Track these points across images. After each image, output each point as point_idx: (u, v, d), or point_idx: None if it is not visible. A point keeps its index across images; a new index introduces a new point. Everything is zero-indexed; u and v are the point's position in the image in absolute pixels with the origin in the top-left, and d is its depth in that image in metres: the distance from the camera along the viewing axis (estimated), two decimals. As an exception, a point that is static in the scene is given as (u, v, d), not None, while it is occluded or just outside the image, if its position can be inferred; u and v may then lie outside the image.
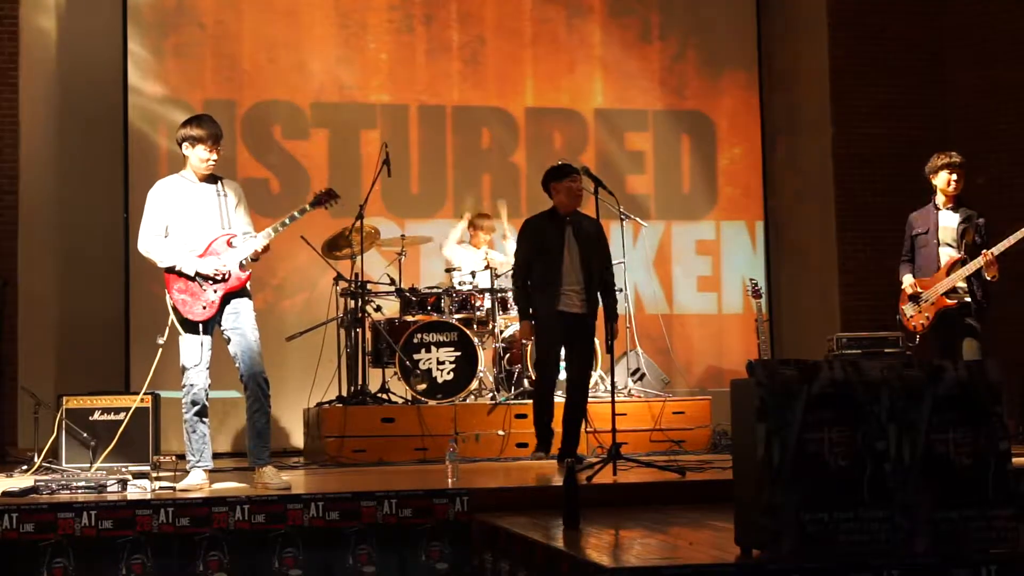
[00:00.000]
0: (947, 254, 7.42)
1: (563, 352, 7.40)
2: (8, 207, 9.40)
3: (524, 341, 8.07)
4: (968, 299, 7.35)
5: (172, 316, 6.18)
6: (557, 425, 7.41)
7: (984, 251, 7.22)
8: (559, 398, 7.48)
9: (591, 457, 7.31)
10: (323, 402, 8.41)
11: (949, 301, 7.36)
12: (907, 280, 7.56)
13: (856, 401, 4.02)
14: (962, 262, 7.32)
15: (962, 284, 7.34)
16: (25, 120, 9.56)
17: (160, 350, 6.22)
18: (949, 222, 7.46)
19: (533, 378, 8.45)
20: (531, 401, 8.23)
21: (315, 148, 10.19)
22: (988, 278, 7.26)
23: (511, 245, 9.27)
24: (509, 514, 5.44)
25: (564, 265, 7.16)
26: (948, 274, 7.35)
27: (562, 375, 7.53)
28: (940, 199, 7.50)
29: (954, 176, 7.40)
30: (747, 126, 11.00)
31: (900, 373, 4.07)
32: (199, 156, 6.23)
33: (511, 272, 8.43)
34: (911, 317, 7.53)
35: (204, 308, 6.17)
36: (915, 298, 7.49)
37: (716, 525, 4.95)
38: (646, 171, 10.80)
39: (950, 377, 4.10)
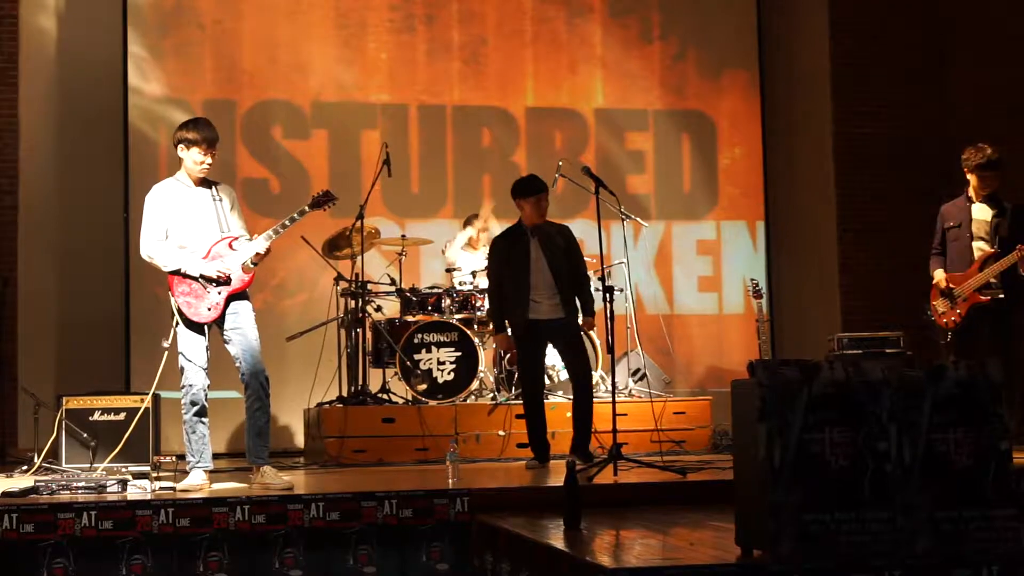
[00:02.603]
0: (980, 248, 7.33)
1: (559, 358, 7.59)
2: (8, 207, 9.41)
3: (504, 352, 8.12)
4: (1002, 295, 7.25)
5: (177, 318, 6.18)
6: (554, 428, 7.46)
7: (1020, 245, 7.09)
8: (562, 399, 7.49)
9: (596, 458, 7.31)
10: (323, 402, 8.41)
11: (983, 297, 7.27)
12: (939, 275, 7.44)
13: (857, 401, 4.01)
14: (996, 256, 7.23)
15: (994, 279, 7.25)
16: (25, 120, 9.56)
17: (166, 353, 6.23)
18: (983, 215, 7.34)
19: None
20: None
21: (315, 148, 10.19)
22: (1023, 273, 7.16)
23: None
24: (510, 514, 5.44)
25: (532, 277, 7.29)
26: (981, 269, 7.27)
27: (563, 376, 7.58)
28: (973, 192, 7.41)
29: (988, 176, 7.32)
30: (748, 126, 11.00)
31: (901, 373, 4.07)
32: (193, 159, 6.25)
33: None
34: (943, 313, 7.40)
35: (209, 310, 6.18)
36: (947, 294, 7.39)
37: (717, 525, 4.95)
38: (646, 171, 10.79)
39: (950, 377, 4.09)
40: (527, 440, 7.49)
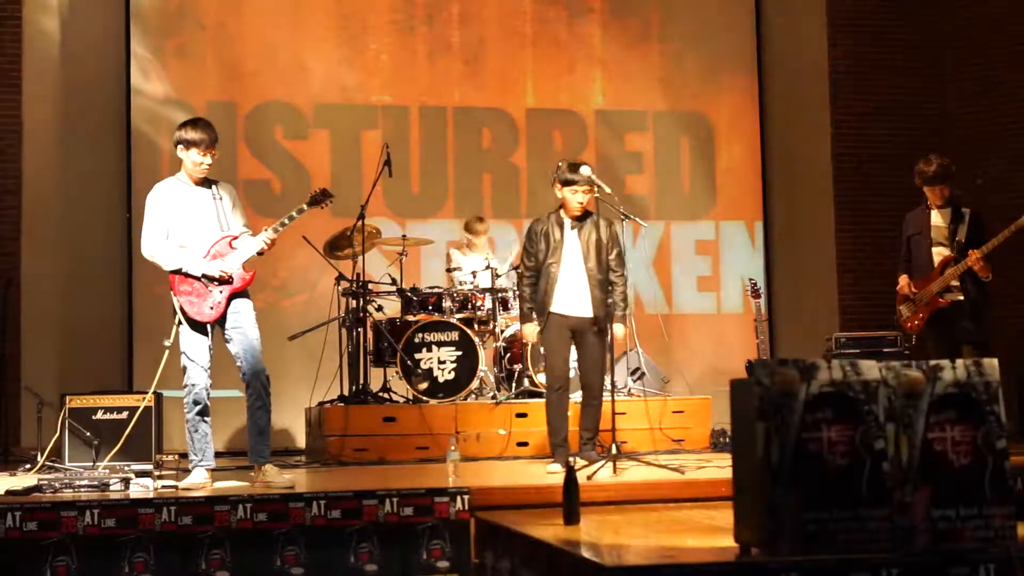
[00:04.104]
0: (939, 253, 7.43)
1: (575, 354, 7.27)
2: (11, 207, 9.44)
3: (525, 342, 7.98)
4: (961, 297, 7.35)
5: (179, 316, 6.21)
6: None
7: (971, 251, 7.23)
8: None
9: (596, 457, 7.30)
10: (325, 401, 8.44)
11: (942, 301, 7.37)
12: (902, 281, 7.58)
13: (855, 400, 4.04)
14: (954, 261, 7.33)
15: (955, 283, 7.35)
16: (28, 121, 9.59)
17: (167, 352, 6.25)
18: (941, 222, 7.47)
19: (534, 378, 8.48)
20: (531, 401, 8.28)
21: (316, 149, 10.22)
22: (981, 277, 7.26)
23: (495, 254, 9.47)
24: (510, 512, 5.46)
25: (567, 268, 6.97)
26: (941, 273, 7.37)
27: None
28: (930, 200, 7.53)
29: (936, 190, 7.43)
30: (747, 126, 11.03)
31: (898, 372, 4.09)
32: (193, 160, 6.27)
33: (516, 271, 8.51)
34: (907, 318, 7.55)
35: (211, 309, 6.21)
36: (910, 299, 7.51)
37: (716, 524, 4.98)
38: (646, 171, 10.83)
39: (948, 376, 4.12)
40: (526, 439, 7.46)
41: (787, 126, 11.07)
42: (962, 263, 7.25)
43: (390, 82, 10.43)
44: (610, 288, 7.04)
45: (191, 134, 6.26)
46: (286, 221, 6.35)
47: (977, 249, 7.20)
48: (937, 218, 7.47)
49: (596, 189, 7.03)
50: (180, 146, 6.29)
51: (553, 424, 7.02)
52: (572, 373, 7.87)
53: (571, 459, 5.89)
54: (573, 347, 7.14)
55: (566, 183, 6.99)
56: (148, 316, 9.39)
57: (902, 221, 7.74)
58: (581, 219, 7.06)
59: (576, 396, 7.54)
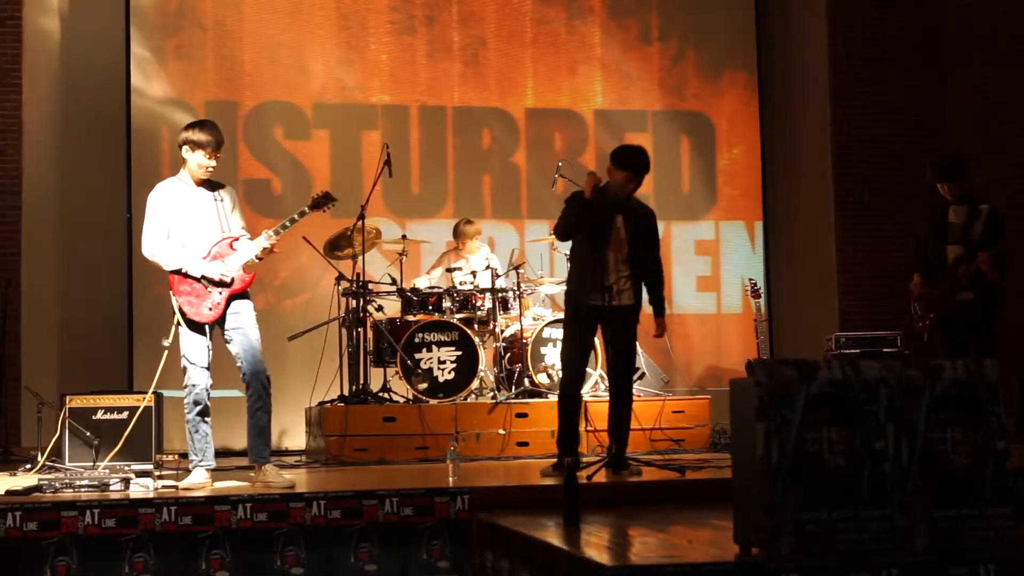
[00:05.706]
0: (953, 251, 7.40)
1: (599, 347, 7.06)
2: (11, 207, 9.44)
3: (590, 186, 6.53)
4: (972, 297, 7.31)
5: (177, 316, 6.21)
6: (552, 426, 7.40)
7: (980, 251, 7.21)
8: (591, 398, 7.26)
9: (592, 455, 7.29)
10: (325, 401, 8.45)
11: (953, 300, 7.34)
12: (915, 278, 7.53)
13: (855, 400, 4.04)
14: (966, 259, 7.30)
15: (967, 282, 7.31)
16: (28, 121, 9.59)
17: (166, 352, 6.25)
18: (956, 218, 7.44)
19: (534, 378, 8.49)
20: (532, 401, 8.29)
21: (316, 149, 10.23)
22: (992, 279, 7.23)
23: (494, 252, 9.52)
24: (510, 513, 5.46)
25: (608, 252, 6.47)
26: (954, 271, 7.33)
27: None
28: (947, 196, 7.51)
29: (945, 186, 7.41)
30: (746, 126, 11.03)
31: (898, 372, 4.10)
32: (198, 161, 6.25)
33: (517, 271, 8.48)
34: (919, 316, 7.49)
35: (210, 310, 6.21)
36: (922, 297, 7.46)
37: (715, 524, 4.98)
38: (646, 171, 10.81)
39: (948, 376, 4.12)
40: (526, 439, 7.40)
41: (787, 126, 11.08)
42: (973, 263, 7.21)
43: (390, 82, 10.43)
44: (651, 279, 6.70)
45: (199, 135, 6.23)
46: (287, 224, 6.34)
47: (992, 247, 7.16)
48: (952, 214, 7.44)
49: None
50: (186, 147, 6.26)
51: (564, 428, 6.63)
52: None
53: (567, 461, 5.81)
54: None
55: (627, 166, 6.49)
56: (148, 316, 9.39)
57: (904, 220, 7.73)
58: (626, 204, 6.61)
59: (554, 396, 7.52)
